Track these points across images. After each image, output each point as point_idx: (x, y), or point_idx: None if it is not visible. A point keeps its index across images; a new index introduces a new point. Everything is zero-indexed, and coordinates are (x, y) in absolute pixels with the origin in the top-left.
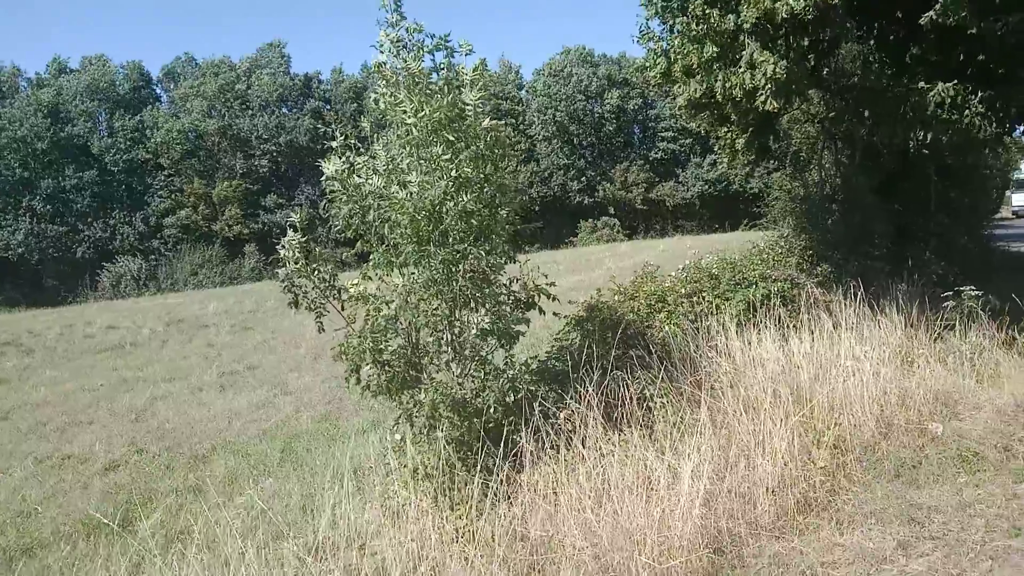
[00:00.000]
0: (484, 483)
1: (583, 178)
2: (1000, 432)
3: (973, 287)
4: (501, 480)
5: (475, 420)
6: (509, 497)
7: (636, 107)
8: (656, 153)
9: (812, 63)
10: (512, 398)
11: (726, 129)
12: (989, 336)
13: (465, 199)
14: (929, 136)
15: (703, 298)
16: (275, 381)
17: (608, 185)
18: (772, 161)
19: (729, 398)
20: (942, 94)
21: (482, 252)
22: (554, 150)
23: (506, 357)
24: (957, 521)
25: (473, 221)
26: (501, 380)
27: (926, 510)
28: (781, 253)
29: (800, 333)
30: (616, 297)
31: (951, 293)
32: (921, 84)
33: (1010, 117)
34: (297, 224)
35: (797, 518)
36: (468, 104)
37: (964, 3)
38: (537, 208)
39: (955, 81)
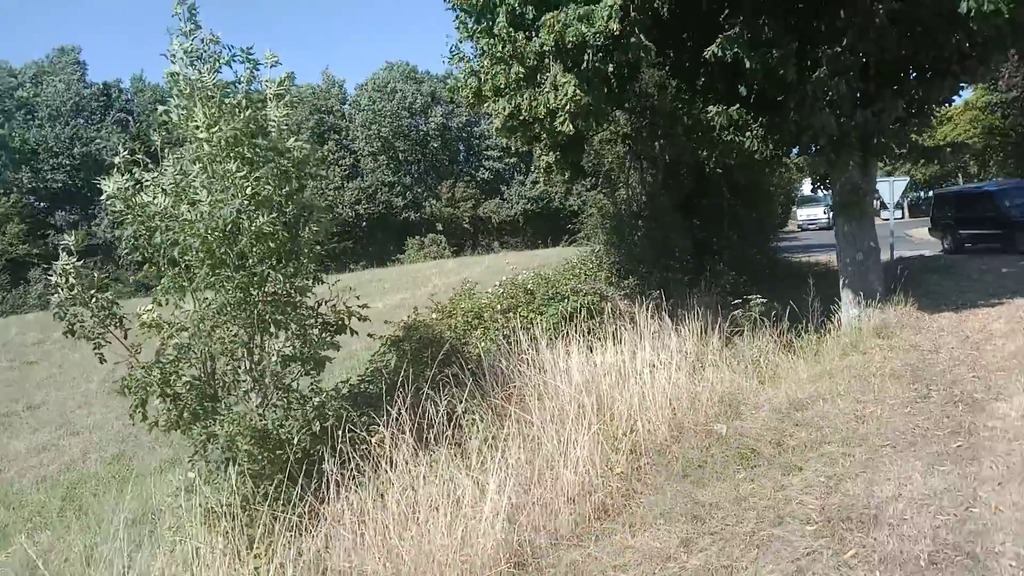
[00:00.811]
0: (285, 518)
1: (409, 194)
2: (775, 429)
3: (759, 296)
4: (303, 513)
5: (278, 452)
6: (312, 530)
7: (460, 125)
8: (482, 172)
9: (616, 86)
10: (319, 426)
11: (539, 149)
12: (772, 340)
13: (263, 219)
14: (715, 157)
15: (519, 313)
16: (60, 420)
17: (435, 202)
18: (589, 179)
19: (538, 410)
20: (726, 118)
21: (283, 274)
22: (380, 166)
23: (312, 384)
24: (733, 515)
25: (272, 243)
26: (307, 408)
27: (708, 507)
28: (592, 268)
29: (605, 344)
30: (434, 315)
31: (739, 301)
32: (710, 108)
33: (784, 140)
34: (72, 247)
35: (595, 524)
36: (272, 120)
37: (738, 41)
38: (364, 224)
39: (738, 106)
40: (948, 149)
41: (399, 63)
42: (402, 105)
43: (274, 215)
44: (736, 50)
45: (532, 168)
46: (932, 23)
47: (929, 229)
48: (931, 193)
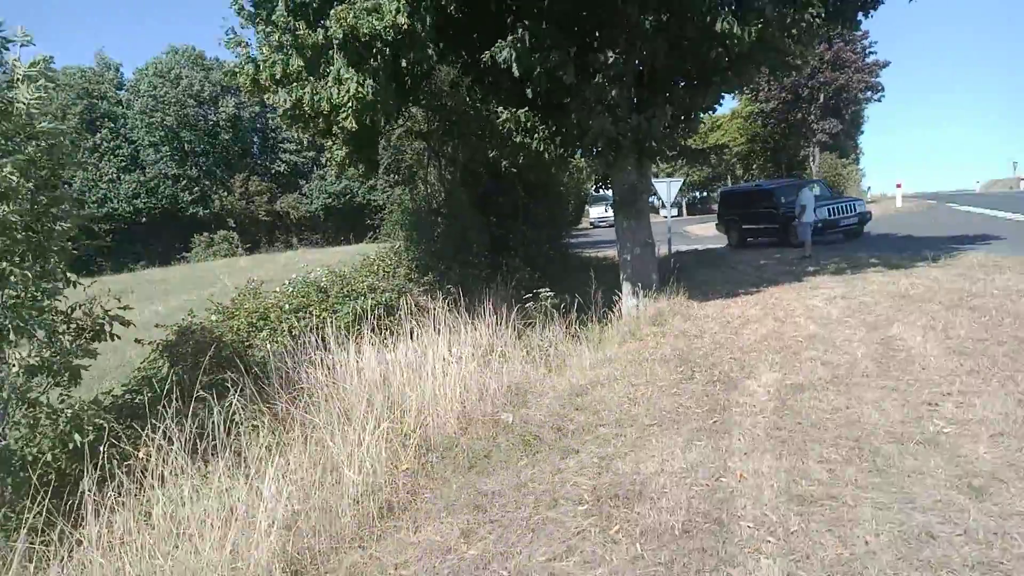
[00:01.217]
0: (29, 548)
1: (197, 188)
2: (557, 415)
3: (549, 289)
4: (52, 541)
5: (22, 474)
6: (66, 559)
7: (254, 115)
8: (278, 165)
9: (409, 83)
10: (76, 442)
11: (331, 142)
12: (561, 331)
13: (7, 209)
14: (505, 157)
15: (311, 312)
16: None
17: (226, 196)
18: (392, 175)
19: (324, 412)
20: (515, 121)
21: (30, 273)
22: (163, 157)
23: (61, 395)
24: (514, 501)
25: (18, 235)
26: (60, 423)
27: (490, 496)
28: (391, 264)
29: (402, 340)
30: (214, 317)
31: (530, 295)
32: (500, 111)
33: (568, 142)
34: None
35: (379, 524)
36: (21, 102)
37: (515, 46)
38: (144, 220)
39: (526, 109)
40: (711, 152)
41: (185, 47)
42: (188, 92)
43: (16, 206)
44: (512, 54)
45: (325, 162)
46: (696, 38)
47: (716, 225)
48: (709, 193)
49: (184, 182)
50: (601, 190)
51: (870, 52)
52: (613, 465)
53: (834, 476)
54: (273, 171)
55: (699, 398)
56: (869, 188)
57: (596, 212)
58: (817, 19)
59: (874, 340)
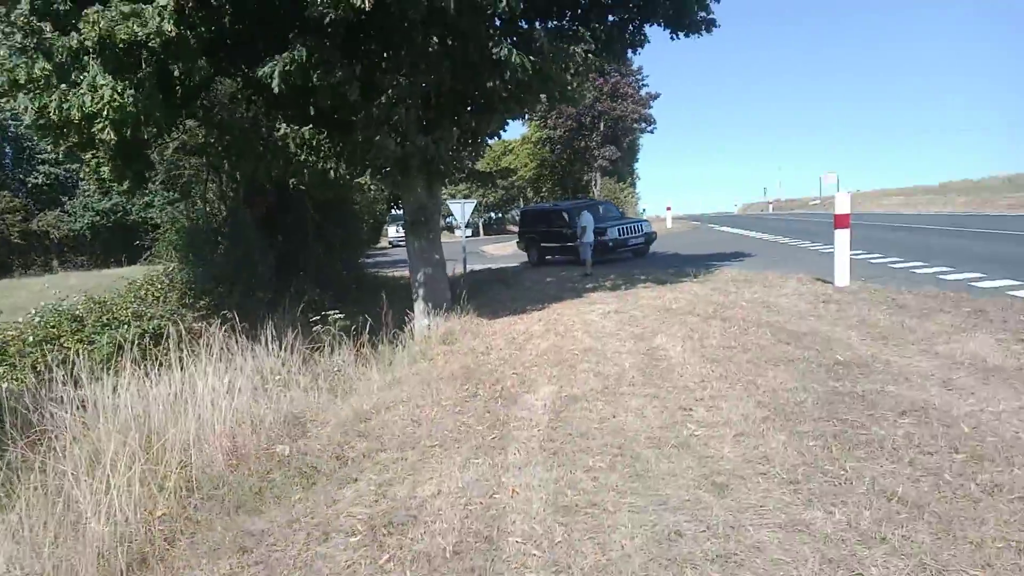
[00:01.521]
0: None
1: None
2: (338, 443)
3: (338, 311)
4: None
5: None
6: None
7: (4, 121)
8: (35, 177)
9: (181, 94)
10: None
11: (91, 154)
12: (351, 354)
13: None
14: (289, 175)
15: (61, 344)
16: None
17: None
18: (172, 191)
19: (70, 457)
20: (298, 138)
21: None
22: None
23: None
24: (283, 539)
25: None
26: None
27: (259, 535)
28: (162, 289)
29: (171, 371)
30: None
31: (318, 318)
32: (281, 127)
33: (355, 161)
34: None
35: None
36: None
37: (295, 62)
38: None
39: (311, 127)
40: (499, 175)
41: None
42: None
43: None
44: (275, 71)
45: (83, 176)
46: (479, 64)
47: (517, 243)
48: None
49: None
50: (394, 209)
51: (643, 85)
52: (391, 491)
53: (598, 484)
54: (30, 184)
55: (481, 415)
56: (644, 210)
57: (394, 231)
58: (590, 54)
59: (641, 351)
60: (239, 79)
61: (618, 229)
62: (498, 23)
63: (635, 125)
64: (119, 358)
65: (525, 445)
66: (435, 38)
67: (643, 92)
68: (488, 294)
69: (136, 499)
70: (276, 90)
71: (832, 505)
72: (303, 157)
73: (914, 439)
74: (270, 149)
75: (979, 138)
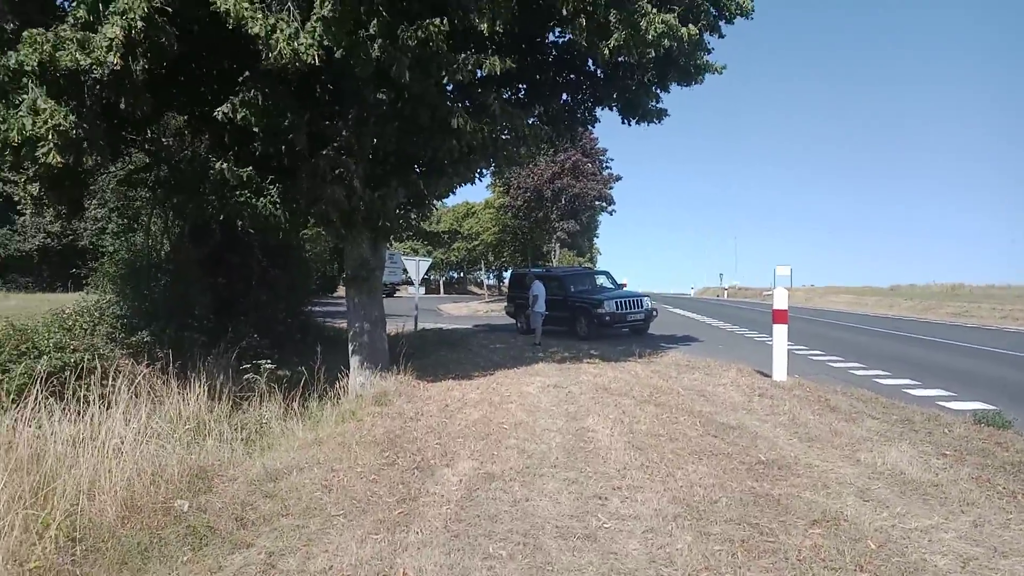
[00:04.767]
0: None
1: None
2: (242, 502)
3: (273, 360)
4: None
5: None
6: None
7: None
8: None
9: (127, 125)
10: None
11: (23, 177)
12: (281, 406)
13: None
14: (225, 215)
15: None
16: None
17: None
18: (123, 220)
19: None
20: (236, 178)
21: None
22: None
23: None
24: None
25: None
26: None
27: None
28: (91, 320)
29: (86, 410)
30: None
31: (249, 365)
32: (217, 164)
33: (299, 209)
34: None
35: None
36: None
37: (252, 105)
38: None
39: (251, 168)
40: (449, 236)
41: None
42: None
43: None
44: (247, 114)
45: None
46: (430, 127)
47: (505, 308)
48: (465, 274)
49: None
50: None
51: (606, 167)
52: (281, 562)
53: (494, 574)
54: None
55: (394, 486)
56: (625, 284)
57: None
58: (542, 124)
59: (570, 430)
60: (186, 116)
61: (616, 303)
62: (450, 88)
63: (595, 203)
64: (32, 390)
65: (430, 524)
66: (384, 97)
67: (605, 172)
68: (433, 355)
69: (10, 547)
70: (226, 125)
71: None
72: (243, 198)
73: (821, 552)
74: (210, 186)
75: (927, 246)
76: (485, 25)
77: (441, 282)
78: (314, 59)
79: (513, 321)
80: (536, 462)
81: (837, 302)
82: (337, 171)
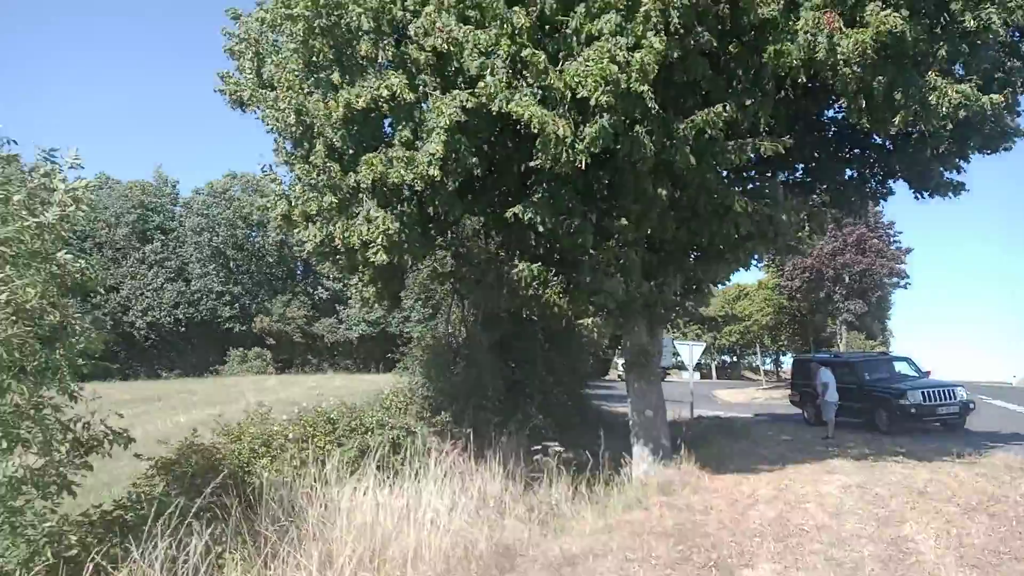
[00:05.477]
0: None
1: (237, 305)
2: None
3: (557, 443)
4: None
5: None
6: None
7: (300, 242)
8: (320, 291)
9: (433, 228)
10: (48, 558)
11: (356, 278)
12: (568, 489)
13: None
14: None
15: (315, 443)
16: None
17: (265, 317)
18: (425, 308)
19: (305, 553)
20: (529, 273)
21: (24, 387)
22: (208, 273)
23: (44, 507)
24: None
25: (18, 352)
26: (38, 537)
27: None
28: (404, 400)
29: (402, 482)
30: (220, 438)
31: (538, 448)
32: (517, 264)
33: (580, 299)
34: None
35: None
36: (47, 223)
37: (540, 206)
38: (183, 330)
39: (540, 264)
40: (725, 321)
41: (243, 173)
42: (239, 214)
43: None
44: (536, 214)
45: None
46: (707, 213)
47: (789, 396)
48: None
49: (226, 298)
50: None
51: (894, 241)
52: None
53: None
54: (315, 297)
55: None
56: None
57: (623, 364)
58: (824, 206)
59: (884, 539)
60: (483, 218)
61: (923, 393)
62: (727, 173)
63: (885, 280)
64: (363, 461)
65: None
66: (664, 188)
67: (894, 247)
68: (714, 445)
69: None
70: (541, 229)
71: None
72: (531, 291)
73: None
74: (502, 280)
75: None
76: (762, 116)
77: (713, 366)
78: (581, 162)
79: (798, 411)
80: (848, 572)
81: None
82: (618, 263)
